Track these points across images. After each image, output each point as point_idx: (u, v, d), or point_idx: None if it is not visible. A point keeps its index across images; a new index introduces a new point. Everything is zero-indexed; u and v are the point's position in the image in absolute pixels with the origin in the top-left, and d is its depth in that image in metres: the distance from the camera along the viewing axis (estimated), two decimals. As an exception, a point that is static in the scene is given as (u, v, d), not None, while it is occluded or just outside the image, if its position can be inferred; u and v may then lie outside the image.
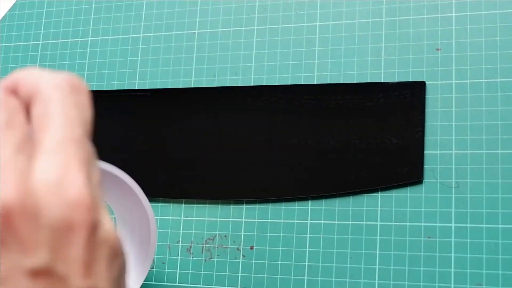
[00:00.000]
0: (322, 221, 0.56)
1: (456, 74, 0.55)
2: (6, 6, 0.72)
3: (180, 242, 0.59)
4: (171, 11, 0.66)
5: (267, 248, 0.57)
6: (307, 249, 0.56)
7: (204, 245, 0.59)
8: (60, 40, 0.69)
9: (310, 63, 0.60)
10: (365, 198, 0.55)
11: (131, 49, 0.65)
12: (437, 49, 0.56)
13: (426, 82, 0.56)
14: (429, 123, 0.55)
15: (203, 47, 0.61)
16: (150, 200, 0.61)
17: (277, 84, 0.60)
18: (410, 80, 0.56)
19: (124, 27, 0.67)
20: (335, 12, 0.60)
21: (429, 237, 0.53)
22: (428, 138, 0.55)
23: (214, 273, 0.58)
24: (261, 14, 0.63)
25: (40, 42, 0.70)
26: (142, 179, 0.61)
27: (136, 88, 0.63)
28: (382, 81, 0.57)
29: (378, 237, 0.54)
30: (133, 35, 0.66)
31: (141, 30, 0.66)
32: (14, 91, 0.23)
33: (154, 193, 0.61)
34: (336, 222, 0.56)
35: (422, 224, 0.54)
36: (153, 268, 0.59)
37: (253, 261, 0.57)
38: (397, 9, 0.59)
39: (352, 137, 0.57)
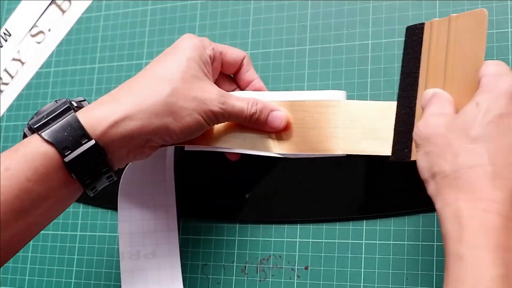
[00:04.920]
0: (377, 241, 0.55)
1: (514, 91, 0.54)
2: (63, 31, 0.74)
3: (235, 262, 0.60)
4: (223, 32, 0.66)
5: (322, 268, 0.57)
6: (362, 270, 0.55)
7: (258, 265, 0.59)
8: (115, 63, 0.70)
9: (363, 82, 0.59)
10: (420, 218, 0.55)
11: (185, 71, 0.66)
12: (493, 66, 0.55)
13: (482, 99, 0.55)
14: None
15: (255, 67, 0.61)
16: (206, 221, 0.61)
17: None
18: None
19: (177, 49, 0.68)
20: (388, 30, 0.60)
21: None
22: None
23: (269, 293, 0.58)
24: (312, 34, 0.63)
25: (96, 65, 0.72)
26: (197, 202, 0.62)
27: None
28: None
29: (435, 258, 0.53)
30: (186, 56, 0.66)
31: (194, 51, 0.67)
32: None
33: (209, 215, 0.61)
34: (391, 242, 0.55)
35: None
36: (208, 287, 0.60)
37: (308, 281, 0.57)
38: (451, 26, 0.58)
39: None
